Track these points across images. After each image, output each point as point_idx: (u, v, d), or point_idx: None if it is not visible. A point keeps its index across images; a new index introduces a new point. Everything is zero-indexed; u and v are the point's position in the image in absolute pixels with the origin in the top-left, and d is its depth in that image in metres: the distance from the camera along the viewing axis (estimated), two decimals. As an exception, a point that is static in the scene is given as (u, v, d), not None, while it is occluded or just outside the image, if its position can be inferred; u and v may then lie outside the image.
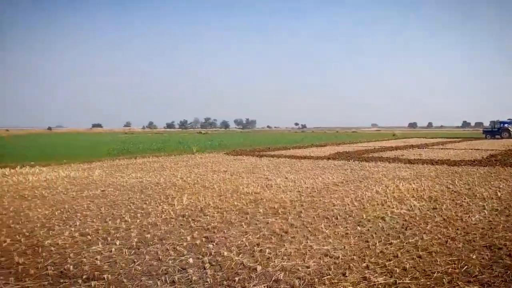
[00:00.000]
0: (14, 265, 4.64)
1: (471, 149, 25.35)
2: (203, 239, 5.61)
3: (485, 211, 7.13)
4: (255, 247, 5.15)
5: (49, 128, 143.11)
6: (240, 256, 4.85)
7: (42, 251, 5.14)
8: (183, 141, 41.44)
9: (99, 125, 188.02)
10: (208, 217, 6.96)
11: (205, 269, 4.43)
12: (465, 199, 8.29)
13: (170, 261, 4.70)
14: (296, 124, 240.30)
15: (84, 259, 4.79)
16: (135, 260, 4.76)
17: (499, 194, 8.77)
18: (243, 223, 6.43)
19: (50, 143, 42.69)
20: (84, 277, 4.25)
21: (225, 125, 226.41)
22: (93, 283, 4.08)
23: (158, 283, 4.08)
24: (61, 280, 4.18)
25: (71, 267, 4.53)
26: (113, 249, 5.14)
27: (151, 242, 5.46)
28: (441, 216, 6.78)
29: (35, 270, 4.49)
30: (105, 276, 4.24)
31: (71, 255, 4.96)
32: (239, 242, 5.43)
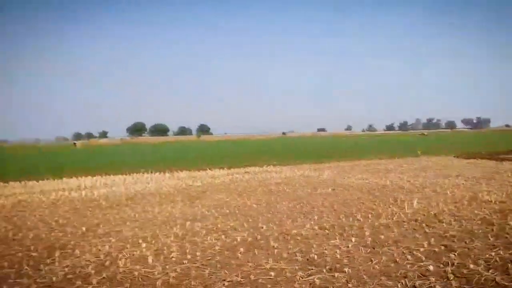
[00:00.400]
0: (270, 248, 5.56)
1: None
2: (442, 247, 5.30)
3: None
4: (509, 264, 4.51)
5: (283, 133, 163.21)
6: (490, 271, 4.35)
7: (290, 239, 5.98)
8: (405, 143, 39.58)
9: (323, 129, 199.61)
10: (444, 224, 6.51)
11: (448, 279, 4.19)
12: None
13: (408, 265, 4.66)
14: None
15: (326, 251, 5.30)
16: (372, 258, 4.94)
17: None
18: (488, 235, 5.72)
19: (286, 146, 49.95)
20: (327, 267, 4.71)
21: (450, 125, 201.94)
22: (336, 274, 4.48)
23: (398, 285, 4.12)
24: (308, 267, 4.76)
25: (315, 256, 5.09)
26: (349, 245, 5.49)
27: (385, 244, 5.54)
28: None
29: (286, 254, 5.26)
30: (345, 269, 4.58)
31: (314, 245, 5.58)
32: (486, 255, 4.87)
